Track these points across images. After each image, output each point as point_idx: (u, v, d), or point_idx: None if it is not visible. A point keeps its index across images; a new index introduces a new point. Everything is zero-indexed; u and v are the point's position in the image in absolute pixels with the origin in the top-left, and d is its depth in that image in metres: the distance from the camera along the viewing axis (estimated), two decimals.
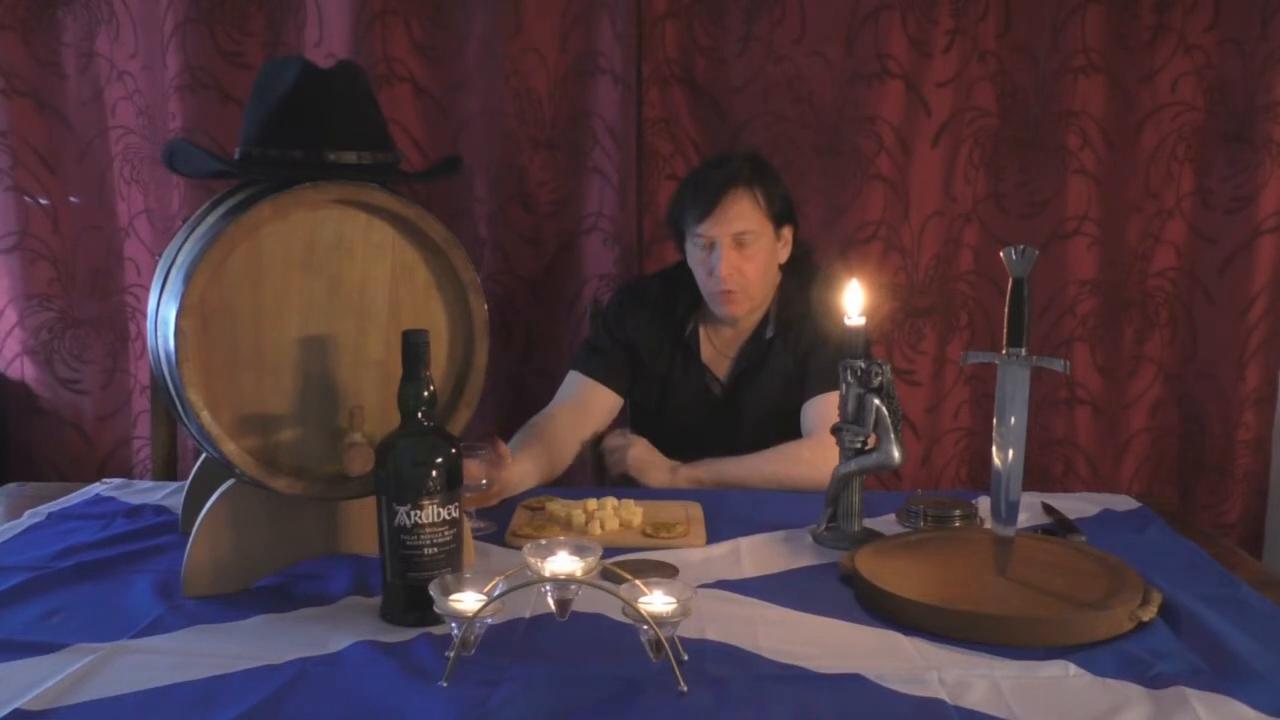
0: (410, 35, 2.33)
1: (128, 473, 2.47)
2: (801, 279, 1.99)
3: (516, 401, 2.42)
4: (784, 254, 1.97)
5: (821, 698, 1.06)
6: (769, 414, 1.96)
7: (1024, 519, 1.55)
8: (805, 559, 1.46)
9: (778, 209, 1.93)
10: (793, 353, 1.96)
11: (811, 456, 1.78)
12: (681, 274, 2.01)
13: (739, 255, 1.88)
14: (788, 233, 1.97)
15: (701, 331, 2.02)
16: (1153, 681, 1.08)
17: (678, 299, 2.02)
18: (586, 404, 1.97)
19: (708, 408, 2.02)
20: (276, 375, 1.31)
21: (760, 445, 1.85)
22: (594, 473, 2.37)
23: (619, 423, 2.08)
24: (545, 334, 2.46)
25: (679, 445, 1.92)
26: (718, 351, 2.02)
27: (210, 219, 1.34)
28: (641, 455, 1.88)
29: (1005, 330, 1.34)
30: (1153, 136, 2.33)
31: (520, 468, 1.70)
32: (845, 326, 1.53)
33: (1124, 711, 1.03)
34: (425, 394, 1.22)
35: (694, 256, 1.93)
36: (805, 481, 1.75)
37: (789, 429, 1.92)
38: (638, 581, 1.12)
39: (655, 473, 1.86)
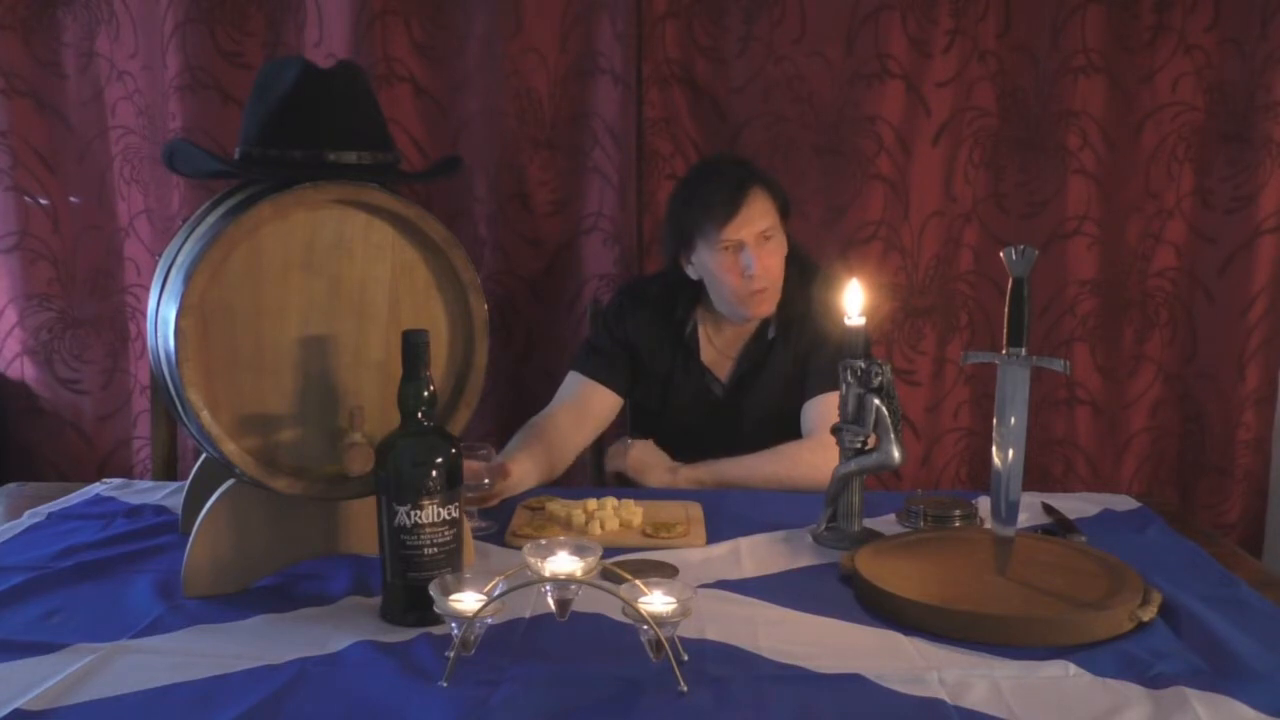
0: (410, 35, 2.33)
1: (128, 473, 2.47)
2: (802, 277, 1.98)
3: (516, 401, 2.42)
4: (785, 246, 1.97)
5: (821, 698, 1.06)
6: (770, 414, 1.96)
7: (1024, 519, 1.55)
8: (805, 559, 1.46)
9: (782, 202, 1.94)
10: (793, 352, 1.96)
11: (812, 457, 1.78)
12: (678, 279, 2.00)
13: (766, 251, 1.88)
14: (786, 226, 1.98)
15: (702, 332, 2.02)
16: (1153, 681, 1.08)
17: (677, 299, 2.01)
18: (586, 404, 1.97)
19: (708, 408, 2.02)
20: (276, 375, 1.31)
21: (761, 445, 1.85)
22: (594, 473, 2.38)
23: (619, 424, 2.08)
24: (545, 334, 2.46)
25: (680, 445, 1.92)
26: (719, 353, 2.02)
27: (210, 219, 1.34)
28: (641, 456, 1.88)
29: (1005, 330, 1.34)
30: (1153, 136, 2.33)
31: (520, 468, 1.70)
32: (845, 326, 1.54)
33: (1124, 711, 1.03)
34: (425, 394, 1.22)
35: (718, 262, 1.88)
36: (806, 482, 1.75)
37: (789, 429, 1.92)
38: (638, 581, 1.12)
39: (655, 473, 1.86)
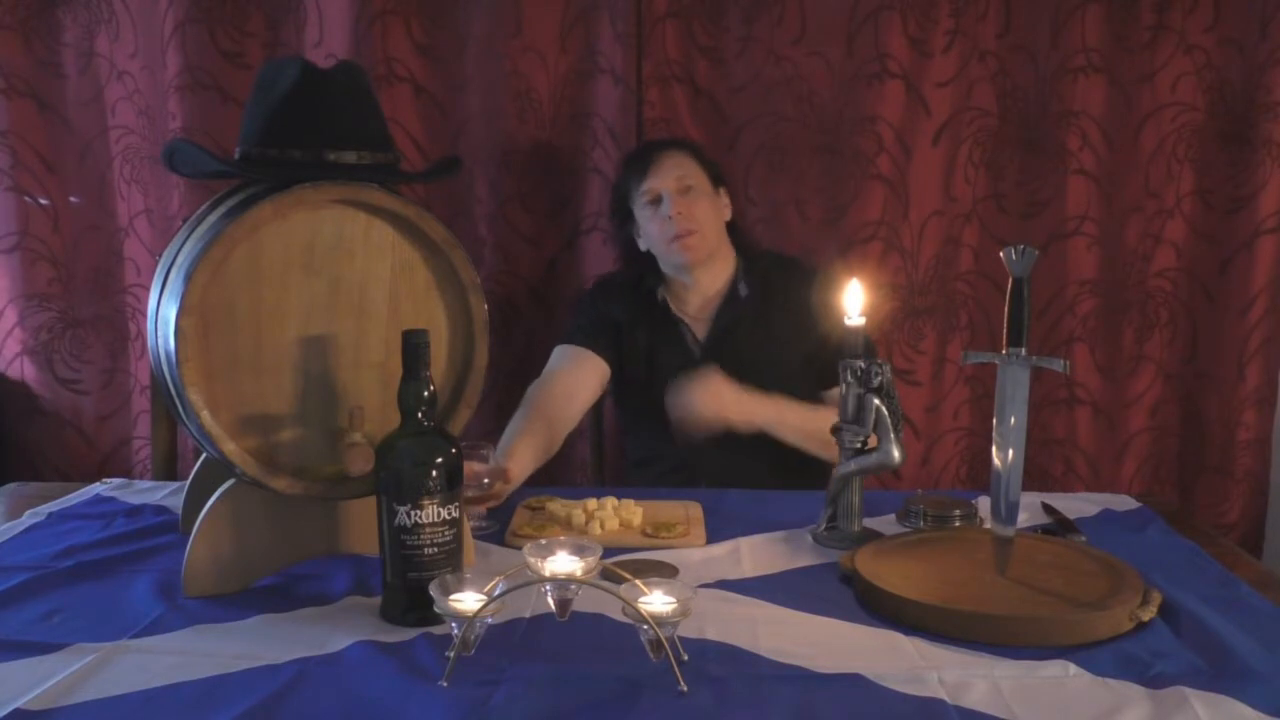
0: (410, 35, 2.33)
1: (128, 473, 2.47)
2: (757, 248, 2.12)
3: (516, 401, 2.41)
4: (726, 213, 2.08)
5: (821, 698, 1.06)
6: (749, 380, 1.99)
7: (1024, 519, 1.56)
8: (805, 559, 1.46)
9: (712, 170, 2.07)
10: (766, 324, 2.02)
11: None
12: (645, 263, 2.10)
13: (686, 200, 1.99)
14: (725, 195, 2.09)
15: (672, 304, 2.08)
16: (1153, 681, 1.08)
17: (644, 278, 2.10)
18: (578, 370, 2.02)
19: (689, 362, 2.04)
20: (276, 375, 1.31)
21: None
22: (594, 473, 2.38)
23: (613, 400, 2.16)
24: (545, 334, 2.46)
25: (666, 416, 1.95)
26: (693, 318, 2.08)
27: (210, 219, 1.34)
28: (719, 389, 1.87)
29: (1005, 330, 1.34)
30: (1153, 136, 2.33)
31: (519, 465, 1.71)
32: (846, 325, 1.54)
33: (1124, 711, 1.03)
34: (425, 394, 1.23)
35: (644, 217, 2.03)
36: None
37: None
38: (638, 581, 1.12)
39: (724, 405, 1.86)
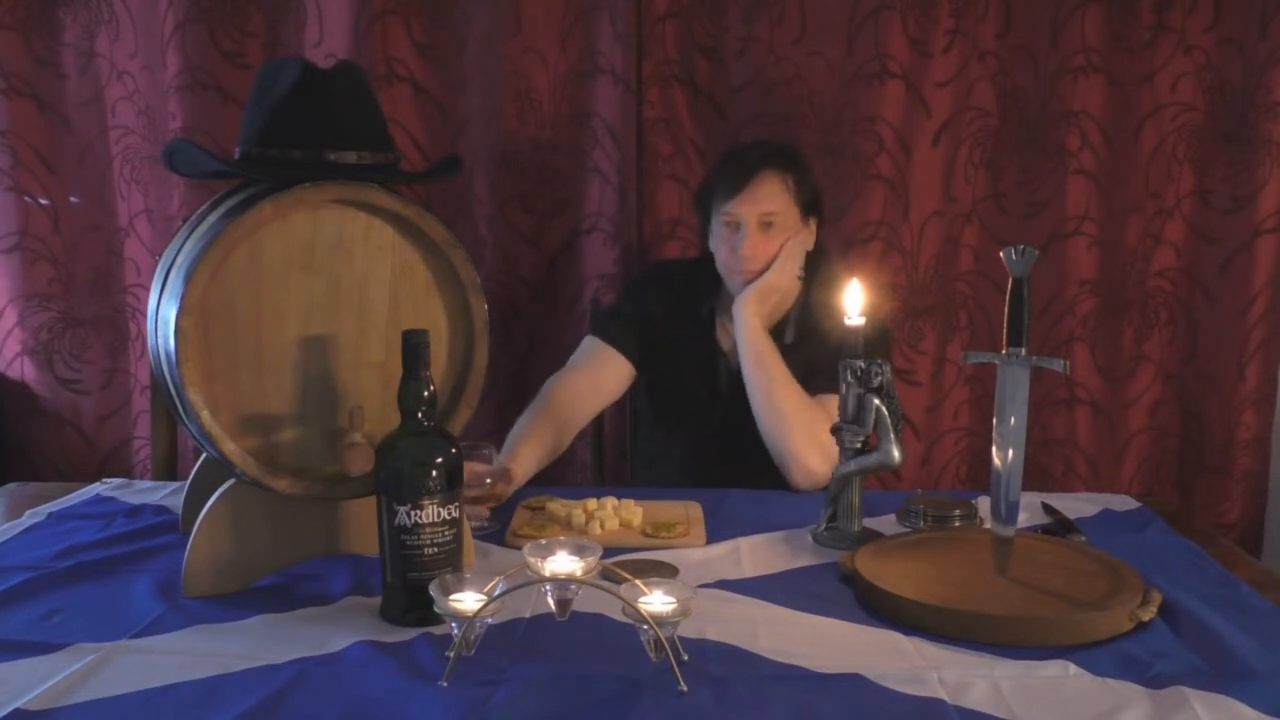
0: (410, 35, 2.33)
1: (128, 473, 2.47)
2: (823, 283, 1.95)
3: (516, 401, 2.41)
4: (809, 243, 1.98)
5: (821, 698, 1.06)
6: None
7: (1024, 519, 1.56)
8: (805, 559, 1.46)
9: (806, 198, 1.95)
10: (805, 357, 1.93)
11: (820, 452, 1.75)
12: (704, 262, 2.02)
13: (764, 237, 1.90)
14: (814, 224, 1.99)
15: (718, 322, 2.03)
16: (1152, 681, 1.08)
17: (700, 280, 2.04)
18: (601, 371, 1.97)
19: (713, 392, 2.02)
20: (276, 375, 1.31)
21: (758, 440, 1.85)
22: (594, 473, 2.38)
23: (631, 395, 2.10)
24: (545, 334, 2.46)
25: (687, 428, 1.92)
26: (733, 344, 2.01)
27: (210, 219, 1.34)
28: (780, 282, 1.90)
29: (1005, 330, 1.34)
30: (1153, 136, 2.33)
31: (522, 466, 1.71)
32: (847, 327, 1.54)
33: (1124, 711, 1.03)
34: (425, 394, 1.23)
35: (718, 234, 1.95)
36: (789, 446, 1.78)
37: None
38: (638, 581, 1.12)
39: (763, 296, 1.89)
